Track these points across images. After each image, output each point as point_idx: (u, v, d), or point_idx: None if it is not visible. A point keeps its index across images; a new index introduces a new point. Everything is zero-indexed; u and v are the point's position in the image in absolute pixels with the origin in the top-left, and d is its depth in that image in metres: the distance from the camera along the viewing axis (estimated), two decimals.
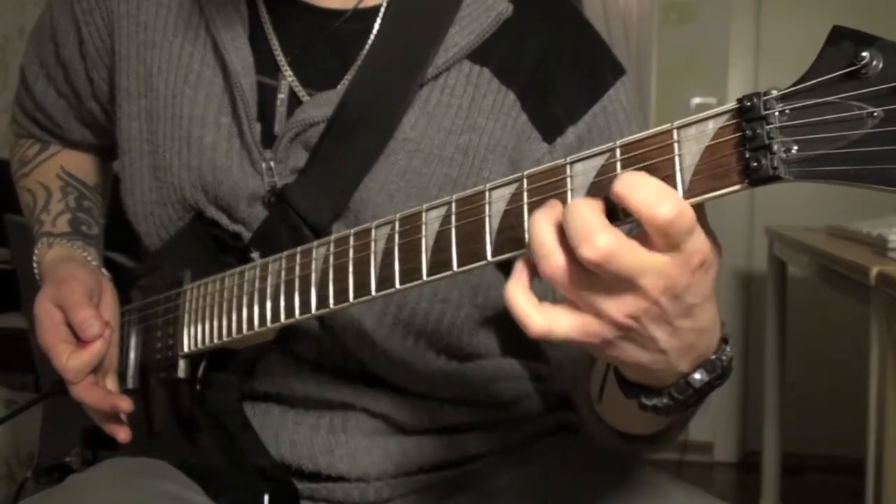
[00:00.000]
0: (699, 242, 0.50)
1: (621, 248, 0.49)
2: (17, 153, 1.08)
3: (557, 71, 0.84)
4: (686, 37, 3.30)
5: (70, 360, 0.84)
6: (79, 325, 0.84)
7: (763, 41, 3.30)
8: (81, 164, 1.06)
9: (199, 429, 0.86)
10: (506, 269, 0.87)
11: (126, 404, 0.86)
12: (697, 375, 0.57)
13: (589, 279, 0.51)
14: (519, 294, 0.53)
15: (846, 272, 1.57)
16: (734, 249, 3.27)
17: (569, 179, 0.55)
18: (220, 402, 0.87)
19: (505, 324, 0.92)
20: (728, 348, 0.58)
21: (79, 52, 0.96)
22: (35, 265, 0.96)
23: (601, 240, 0.49)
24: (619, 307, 0.51)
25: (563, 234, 0.51)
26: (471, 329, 0.88)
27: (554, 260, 0.51)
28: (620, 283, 0.50)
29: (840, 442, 2.89)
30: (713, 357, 0.57)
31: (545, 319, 0.52)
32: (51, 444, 1.07)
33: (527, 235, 0.55)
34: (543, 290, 0.57)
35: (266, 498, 0.80)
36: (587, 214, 0.50)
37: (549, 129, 0.83)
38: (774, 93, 0.49)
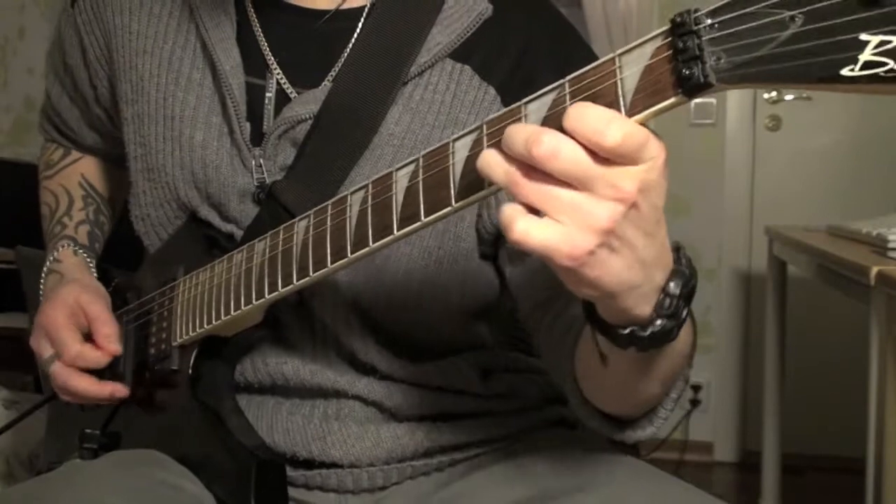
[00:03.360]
0: (656, 147, 0.53)
1: (565, 141, 0.52)
2: (44, 156, 1.15)
3: (536, 69, 0.87)
4: None
5: (82, 346, 0.91)
6: (104, 336, 0.92)
7: None
8: (99, 175, 1.13)
9: (192, 417, 0.87)
10: (491, 258, 0.89)
11: (122, 391, 0.92)
12: (672, 284, 0.59)
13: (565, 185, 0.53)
14: (510, 205, 0.54)
15: (846, 272, 1.57)
16: (734, 249, 3.27)
17: (524, 118, 0.57)
18: (213, 390, 0.88)
19: (496, 317, 0.94)
20: (683, 252, 0.60)
21: (83, 61, 1.00)
22: (52, 261, 1.02)
23: (547, 137, 0.52)
24: (602, 209, 0.52)
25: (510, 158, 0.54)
26: (462, 321, 0.90)
27: (513, 174, 0.54)
28: (597, 187, 0.52)
29: (840, 442, 2.89)
30: (675, 266, 0.59)
31: (525, 223, 0.53)
32: (54, 448, 1.09)
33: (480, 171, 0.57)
34: None
35: (253, 473, 0.81)
36: (523, 126, 0.54)
37: None
38: (704, 10, 0.52)
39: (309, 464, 0.89)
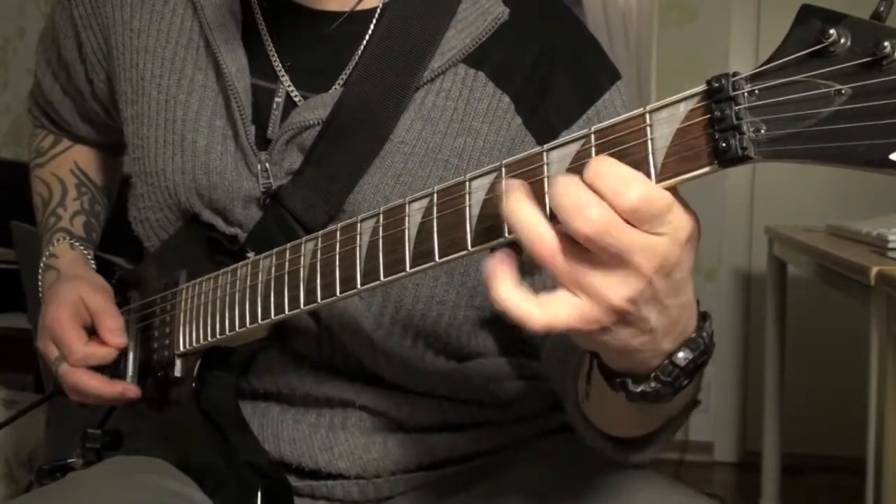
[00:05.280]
0: (681, 219, 0.51)
1: (616, 222, 0.49)
2: (33, 143, 1.12)
3: (552, 75, 0.84)
4: (686, 37, 3.30)
5: (87, 346, 0.89)
6: (108, 329, 0.90)
7: (763, 41, 3.30)
8: (92, 163, 1.10)
9: (195, 427, 0.86)
10: None
11: (133, 391, 0.90)
12: (681, 354, 0.56)
13: (584, 258, 0.50)
14: (511, 292, 0.52)
15: (846, 272, 1.57)
16: (734, 249, 3.27)
17: (545, 167, 0.55)
18: (216, 400, 0.87)
19: (504, 324, 0.92)
20: (708, 325, 0.58)
21: (79, 56, 0.98)
22: (48, 256, 0.99)
23: (594, 212, 0.49)
24: (619, 290, 0.50)
25: (545, 213, 0.51)
26: (469, 330, 0.89)
27: (548, 241, 0.51)
28: (615, 261, 0.50)
29: (840, 442, 2.89)
30: (694, 335, 0.57)
31: (546, 312, 0.51)
32: (53, 445, 1.08)
33: (507, 222, 0.55)
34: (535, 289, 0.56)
35: (259, 494, 0.80)
36: (576, 189, 0.50)
37: (543, 132, 0.83)
38: (743, 73, 0.49)
39: (315, 474, 0.88)
